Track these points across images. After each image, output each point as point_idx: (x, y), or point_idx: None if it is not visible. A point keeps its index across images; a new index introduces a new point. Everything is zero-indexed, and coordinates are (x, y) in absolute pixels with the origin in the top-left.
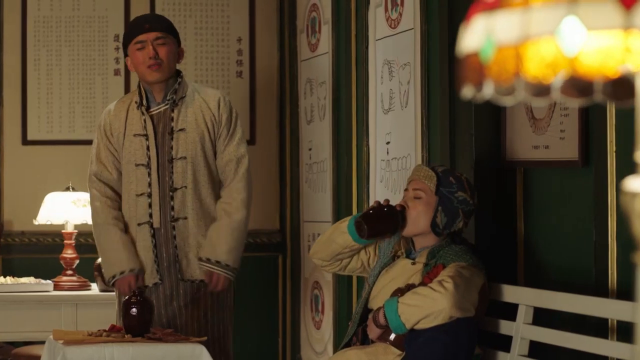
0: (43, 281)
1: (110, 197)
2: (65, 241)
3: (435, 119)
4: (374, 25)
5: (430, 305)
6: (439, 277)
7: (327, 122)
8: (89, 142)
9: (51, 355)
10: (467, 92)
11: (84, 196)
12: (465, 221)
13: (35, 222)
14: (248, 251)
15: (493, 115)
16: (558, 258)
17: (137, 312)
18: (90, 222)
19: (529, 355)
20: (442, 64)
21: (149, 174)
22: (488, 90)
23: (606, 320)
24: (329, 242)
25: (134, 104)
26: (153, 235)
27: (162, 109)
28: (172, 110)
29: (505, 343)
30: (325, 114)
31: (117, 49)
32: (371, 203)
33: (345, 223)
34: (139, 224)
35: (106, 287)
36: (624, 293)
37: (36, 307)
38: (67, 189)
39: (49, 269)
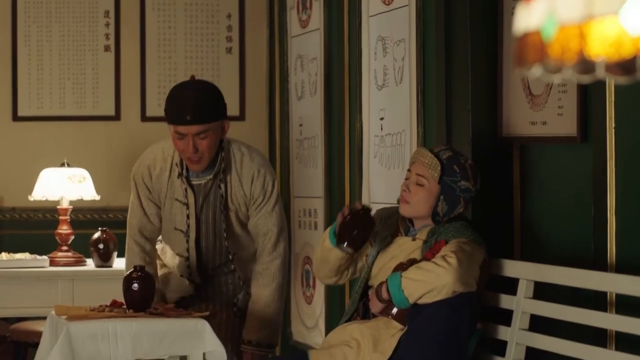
0: (39, 257)
1: (150, 254)
2: (61, 217)
3: (430, 95)
4: (367, 2)
5: (434, 280)
6: (441, 252)
7: (319, 98)
8: (79, 118)
9: (53, 330)
10: (525, 69)
11: (80, 172)
12: (465, 206)
13: (31, 198)
14: None
15: (490, 92)
16: (555, 233)
17: (138, 288)
18: (85, 198)
19: (529, 329)
20: (438, 40)
21: (187, 241)
22: (548, 69)
23: (605, 293)
24: (324, 262)
25: (176, 168)
26: (193, 282)
27: (202, 182)
28: (219, 187)
29: (505, 317)
30: (316, 90)
31: (107, 25)
32: (343, 211)
33: (327, 240)
34: (181, 276)
35: (102, 262)
36: (623, 267)
37: (32, 283)
38: (63, 164)
39: (40, 245)
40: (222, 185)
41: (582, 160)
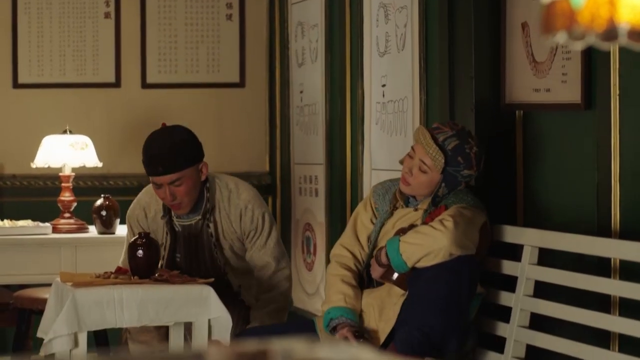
0: (41, 224)
1: None
2: (63, 184)
3: (433, 62)
4: None
5: (431, 243)
6: (440, 216)
7: (320, 65)
8: (79, 85)
9: (58, 297)
10: (553, 36)
11: (82, 139)
12: (465, 185)
13: (33, 166)
14: None
15: (493, 58)
16: (559, 200)
17: (143, 254)
18: (88, 165)
19: (534, 296)
20: (440, 6)
21: None
22: (574, 35)
23: (609, 260)
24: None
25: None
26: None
27: (192, 223)
28: (208, 227)
29: (509, 284)
30: (317, 57)
31: None
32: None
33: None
34: None
35: (104, 229)
36: (627, 233)
37: (35, 250)
38: (65, 131)
39: (42, 213)
40: (211, 225)
41: (586, 127)
